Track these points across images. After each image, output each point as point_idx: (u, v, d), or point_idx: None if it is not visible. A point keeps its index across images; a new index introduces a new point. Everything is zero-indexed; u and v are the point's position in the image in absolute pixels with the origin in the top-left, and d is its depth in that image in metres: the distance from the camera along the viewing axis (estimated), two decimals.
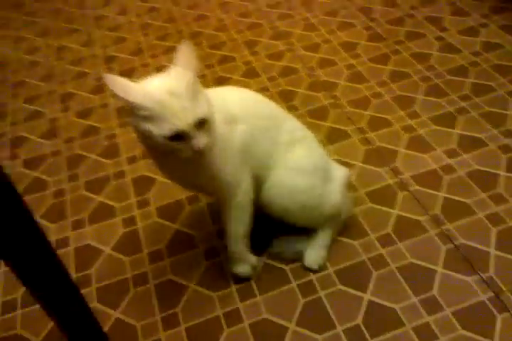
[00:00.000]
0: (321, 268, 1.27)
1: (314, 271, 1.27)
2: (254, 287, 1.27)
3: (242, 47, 2.15)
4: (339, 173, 1.29)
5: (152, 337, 1.21)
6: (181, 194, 1.55)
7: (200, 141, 0.90)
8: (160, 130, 0.87)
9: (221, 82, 1.98)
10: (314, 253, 1.28)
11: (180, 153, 0.92)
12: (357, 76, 1.91)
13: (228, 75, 2.01)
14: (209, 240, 1.41)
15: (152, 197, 1.57)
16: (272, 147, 1.15)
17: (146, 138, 0.92)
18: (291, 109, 1.79)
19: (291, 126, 1.20)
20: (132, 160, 1.73)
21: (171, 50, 2.21)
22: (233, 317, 1.22)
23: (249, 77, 1.98)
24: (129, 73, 2.13)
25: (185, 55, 0.91)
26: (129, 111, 0.90)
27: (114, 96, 0.87)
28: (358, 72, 1.93)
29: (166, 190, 1.58)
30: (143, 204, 1.56)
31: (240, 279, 1.27)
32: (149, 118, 0.87)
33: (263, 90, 1.90)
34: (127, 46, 2.33)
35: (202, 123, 0.90)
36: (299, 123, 1.24)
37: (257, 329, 1.19)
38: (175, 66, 0.91)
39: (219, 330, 1.20)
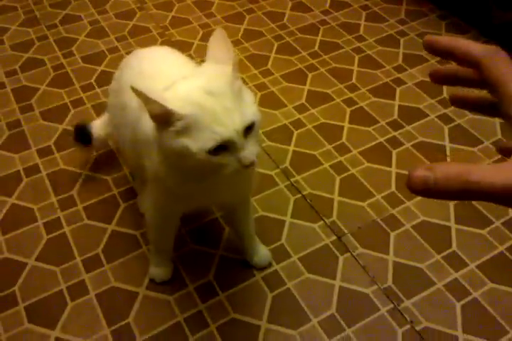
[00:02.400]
0: None
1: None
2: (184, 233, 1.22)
3: (89, 6, 2.00)
4: None
5: (74, 280, 1.17)
6: None
7: (250, 151, 0.68)
8: (199, 143, 0.65)
9: (66, 43, 1.83)
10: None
11: (224, 170, 0.70)
12: (211, 35, 1.87)
13: (74, 36, 1.86)
14: None
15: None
16: None
17: (180, 159, 0.69)
18: None
19: None
20: (88, 87, 1.64)
21: (6, 10, 1.99)
22: None
23: (96, 38, 1.85)
24: None
25: (219, 46, 0.69)
26: (160, 128, 0.68)
27: (150, 104, 0.64)
28: (213, 31, 1.88)
29: None
30: None
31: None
32: (185, 130, 0.65)
33: (111, 51, 1.78)
34: None
35: (250, 129, 0.67)
36: None
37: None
38: (207, 60, 0.70)
39: (145, 267, 1.17)
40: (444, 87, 1.62)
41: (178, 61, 0.99)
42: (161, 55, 1.02)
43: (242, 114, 0.66)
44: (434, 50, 0.37)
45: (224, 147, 0.66)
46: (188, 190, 0.81)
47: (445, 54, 0.36)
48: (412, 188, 0.29)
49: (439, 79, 0.40)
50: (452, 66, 0.39)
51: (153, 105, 0.64)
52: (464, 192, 0.27)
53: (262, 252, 1.17)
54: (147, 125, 0.77)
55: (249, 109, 0.68)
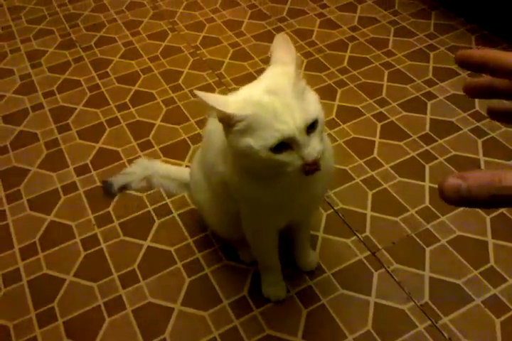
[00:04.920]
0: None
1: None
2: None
3: (122, 28, 2.07)
4: None
5: (111, 295, 1.14)
6: (184, 133, 1.57)
7: (313, 148, 0.67)
8: (261, 141, 0.66)
9: (101, 64, 1.89)
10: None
11: (287, 168, 0.69)
12: (241, 54, 1.91)
13: (108, 57, 1.92)
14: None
15: (152, 139, 1.58)
16: None
17: (246, 159, 0.70)
18: (177, 89, 1.75)
19: None
20: (123, 107, 1.70)
21: (43, 34, 2.08)
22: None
23: (130, 58, 1.91)
24: None
25: (282, 48, 0.70)
26: (226, 130, 0.71)
27: (212, 110, 0.67)
28: (243, 50, 1.92)
29: (166, 132, 1.59)
30: (146, 146, 1.56)
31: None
32: (247, 130, 0.67)
33: (145, 71, 1.84)
34: None
35: (312, 126, 0.68)
36: None
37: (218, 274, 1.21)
38: (272, 64, 0.72)
39: (180, 283, 1.16)
40: (477, 100, 1.61)
41: None
42: None
43: (303, 111, 0.66)
44: (466, 63, 0.36)
45: (286, 145, 0.67)
46: (264, 195, 0.81)
47: (478, 66, 0.35)
48: (445, 197, 0.28)
49: (475, 91, 0.39)
50: (487, 78, 0.37)
51: (212, 110, 0.66)
52: (498, 199, 0.27)
53: (312, 255, 1.19)
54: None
55: (312, 107, 0.68)
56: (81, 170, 1.49)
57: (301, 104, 0.66)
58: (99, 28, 2.08)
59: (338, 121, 1.58)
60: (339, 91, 1.69)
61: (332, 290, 1.15)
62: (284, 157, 0.68)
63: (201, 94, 0.65)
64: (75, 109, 1.71)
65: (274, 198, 0.81)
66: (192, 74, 1.82)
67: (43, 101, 1.75)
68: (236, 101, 0.68)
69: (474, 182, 0.28)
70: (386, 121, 1.56)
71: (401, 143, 1.49)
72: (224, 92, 1.72)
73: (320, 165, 0.69)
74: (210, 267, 1.22)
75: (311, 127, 0.67)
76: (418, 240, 1.24)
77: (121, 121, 1.64)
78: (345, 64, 1.81)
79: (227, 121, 0.68)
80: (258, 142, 0.66)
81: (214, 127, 0.89)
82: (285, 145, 0.67)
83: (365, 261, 1.20)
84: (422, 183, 1.37)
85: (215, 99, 0.67)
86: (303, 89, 0.69)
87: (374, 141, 1.50)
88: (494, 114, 0.40)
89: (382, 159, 1.44)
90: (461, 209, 1.30)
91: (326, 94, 1.68)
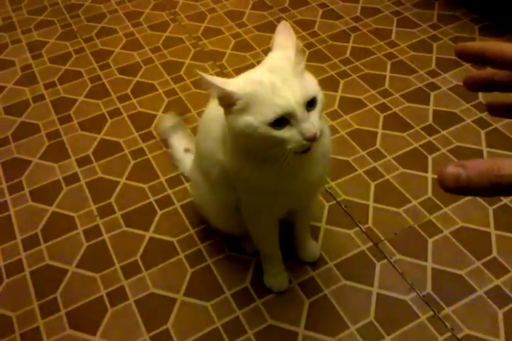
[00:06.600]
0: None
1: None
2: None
3: (124, 19, 2.06)
4: None
5: (114, 286, 1.14)
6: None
7: (312, 124, 0.68)
8: (261, 116, 0.67)
9: (102, 55, 1.88)
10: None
11: (287, 145, 0.69)
12: (243, 45, 1.89)
13: (109, 48, 1.91)
14: None
15: (154, 131, 1.57)
16: None
17: (246, 139, 0.71)
18: (178, 80, 1.74)
19: None
20: (124, 98, 1.69)
21: (44, 24, 2.06)
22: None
23: (131, 49, 1.90)
24: None
25: (283, 35, 0.73)
26: (226, 110, 0.72)
27: (212, 88, 0.68)
28: (244, 41, 1.91)
29: None
30: (147, 137, 1.55)
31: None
32: (246, 108, 0.68)
33: (146, 62, 1.83)
34: None
35: (312, 105, 0.69)
36: None
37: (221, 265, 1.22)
38: (274, 49, 0.74)
39: (182, 273, 1.16)
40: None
41: None
42: None
43: (303, 87, 0.67)
44: (466, 55, 0.36)
45: (286, 121, 0.68)
46: (264, 181, 0.81)
47: (478, 58, 0.35)
48: (445, 186, 0.29)
49: (475, 85, 0.38)
50: (487, 70, 0.37)
51: (213, 88, 0.68)
52: (498, 187, 0.27)
53: (314, 246, 1.19)
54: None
55: (311, 86, 0.69)
56: (83, 162, 1.49)
57: (300, 81, 0.68)
58: (100, 18, 2.07)
59: (340, 112, 1.58)
60: (342, 82, 1.68)
61: (334, 281, 1.15)
62: (283, 133, 0.68)
63: (203, 73, 0.67)
64: (77, 100, 1.70)
65: (273, 183, 0.81)
66: (193, 65, 1.81)
67: (44, 93, 1.74)
68: (236, 82, 0.70)
69: (474, 170, 0.27)
70: (389, 112, 1.56)
71: (404, 134, 1.48)
72: None
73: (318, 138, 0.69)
74: (212, 258, 1.22)
75: (310, 105, 0.68)
76: (421, 231, 1.23)
77: (123, 112, 1.64)
78: (347, 55, 1.79)
79: (228, 100, 0.69)
80: (258, 118, 0.67)
81: (212, 115, 0.89)
82: (284, 121, 0.68)
83: (368, 252, 1.20)
84: (424, 174, 1.36)
85: (216, 79, 0.69)
86: (302, 71, 0.71)
87: (377, 132, 1.50)
88: (494, 109, 0.39)
89: (385, 150, 1.44)
90: (464, 200, 1.29)
91: (328, 85, 1.67)
